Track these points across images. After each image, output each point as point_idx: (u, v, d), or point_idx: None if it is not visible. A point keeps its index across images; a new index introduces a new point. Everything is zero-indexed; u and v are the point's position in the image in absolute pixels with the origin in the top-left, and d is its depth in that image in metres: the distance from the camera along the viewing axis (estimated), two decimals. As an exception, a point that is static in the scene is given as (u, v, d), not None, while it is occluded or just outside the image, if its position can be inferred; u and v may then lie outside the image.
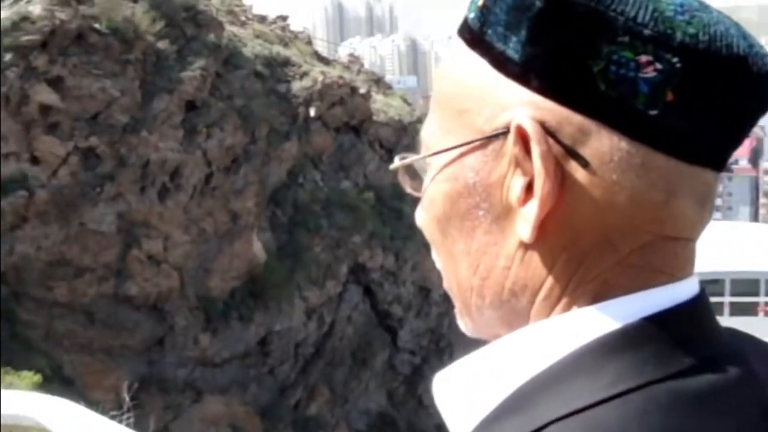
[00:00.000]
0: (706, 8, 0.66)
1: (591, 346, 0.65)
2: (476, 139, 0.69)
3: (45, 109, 22.03)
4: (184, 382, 22.90)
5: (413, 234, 29.38)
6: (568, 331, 0.66)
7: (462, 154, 0.71)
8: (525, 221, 0.67)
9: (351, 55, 39.99)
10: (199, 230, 24.32)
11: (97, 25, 23.42)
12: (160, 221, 23.42)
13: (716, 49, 0.64)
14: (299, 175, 27.62)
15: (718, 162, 0.68)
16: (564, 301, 0.68)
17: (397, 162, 0.79)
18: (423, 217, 0.79)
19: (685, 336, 0.65)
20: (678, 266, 0.69)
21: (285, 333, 25.13)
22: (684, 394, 0.62)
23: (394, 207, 29.45)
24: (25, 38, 22.20)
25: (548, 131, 0.65)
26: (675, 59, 0.63)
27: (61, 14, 23.00)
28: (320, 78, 28.48)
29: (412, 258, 28.97)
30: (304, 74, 28.66)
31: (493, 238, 0.70)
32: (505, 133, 0.67)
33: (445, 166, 0.72)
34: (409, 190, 0.78)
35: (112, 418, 10.01)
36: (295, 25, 36.00)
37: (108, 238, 22.02)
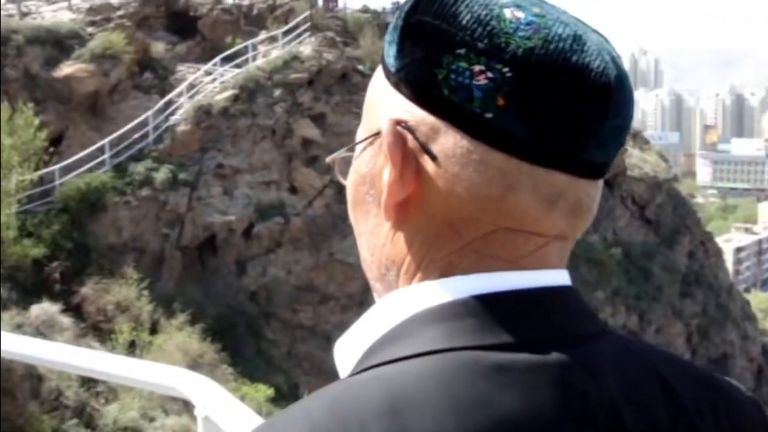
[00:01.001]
0: (562, 25, 0.74)
1: (422, 314, 0.74)
2: (367, 137, 0.80)
3: (306, 142, 23.27)
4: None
5: (660, 295, 28.27)
6: (410, 301, 0.75)
7: (363, 150, 0.81)
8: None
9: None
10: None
11: (360, 67, 24.54)
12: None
13: (551, 61, 0.71)
14: (546, 224, 27.37)
15: (571, 165, 0.74)
16: (418, 276, 0.77)
17: (332, 156, 0.88)
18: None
19: (510, 316, 0.72)
20: (521, 256, 0.75)
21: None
22: (483, 363, 0.69)
23: (642, 266, 28.49)
24: (293, 76, 23.62)
25: (409, 130, 0.75)
26: (505, 69, 0.71)
27: (328, 55, 24.30)
28: (575, 129, 28.17)
29: (656, 320, 27.87)
30: (558, 124, 28.48)
31: (378, 220, 0.80)
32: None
33: (354, 160, 0.83)
34: (342, 181, 0.86)
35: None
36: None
37: (354, 269, 22.77)
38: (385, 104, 0.79)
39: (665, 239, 30.56)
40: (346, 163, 0.86)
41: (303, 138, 23.25)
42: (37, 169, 16.03)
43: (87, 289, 17.94)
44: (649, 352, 0.81)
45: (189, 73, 24.09)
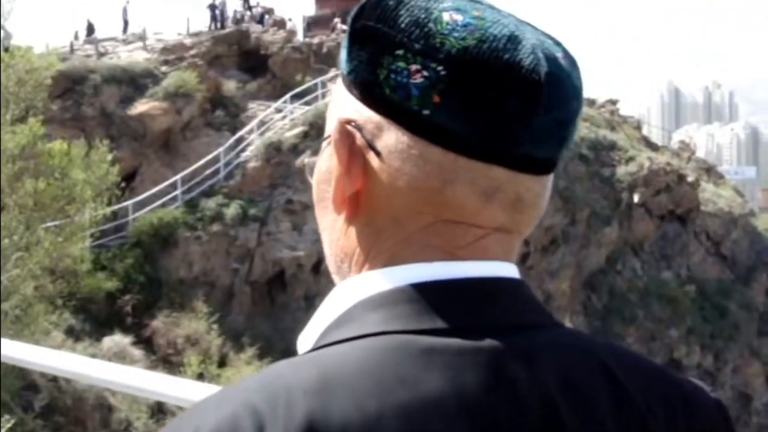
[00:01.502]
0: (500, 26, 0.77)
1: (365, 301, 0.78)
2: (325, 137, 0.84)
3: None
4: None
5: (737, 334, 27.53)
6: (356, 289, 0.79)
7: (323, 150, 0.86)
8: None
9: (682, 141, 38.72)
10: (510, 307, 24.42)
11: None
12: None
13: (484, 59, 0.75)
14: (618, 261, 26.95)
15: (508, 160, 0.77)
16: (366, 266, 0.81)
17: (302, 158, 0.85)
18: None
19: (445, 303, 0.76)
20: (459, 247, 0.79)
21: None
22: (415, 346, 0.73)
23: (718, 303, 27.81)
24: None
25: (357, 128, 0.79)
26: (440, 68, 0.75)
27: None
28: (646, 164, 27.80)
29: (733, 360, 27.12)
30: (629, 159, 28.13)
31: (335, 216, 0.84)
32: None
33: (318, 160, 0.88)
34: (311, 182, 0.89)
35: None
36: (627, 109, 35.51)
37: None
38: (340, 105, 0.83)
39: (741, 276, 29.80)
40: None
41: (372, 173, 23.34)
42: (110, 204, 16.40)
43: (158, 322, 18.20)
44: (600, 348, 0.82)
45: (259, 111, 24.46)
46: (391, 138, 0.78)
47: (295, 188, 22.38)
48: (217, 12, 28.97)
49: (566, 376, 0.77)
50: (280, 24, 30.41)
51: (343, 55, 0.83)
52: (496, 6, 0.82)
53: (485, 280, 0.79)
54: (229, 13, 29.50)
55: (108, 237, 19.78)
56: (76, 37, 28.50)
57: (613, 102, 34.74)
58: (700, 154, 39.71)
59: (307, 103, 24.44)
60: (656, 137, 37.83)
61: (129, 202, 20.31)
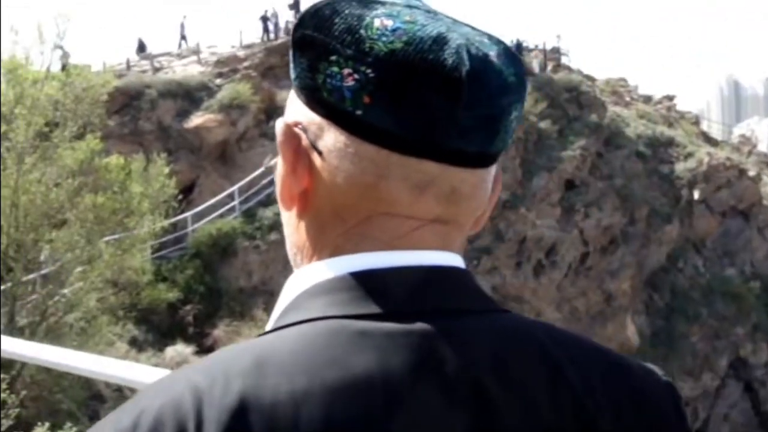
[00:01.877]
0: (429, 29, 0.81)
1: (309, 289, 0.83)
2: (281, 139, 0.88)
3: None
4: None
5: (805, 330, 26.91)
6: (303, 279, 0.85)
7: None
8: None
9: (742, 135, 38.01)
10: (571, 308, 24.22)
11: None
12: (533, 297, 23.67)
13: (409, 60, 0.79)
14: (679, 259, 26.56)
15: (438, 154, 0.82)
16: (314, 258, 0.87)
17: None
18: None
19: (380, 290, 0.81)
20: (396, 238, 0.84)
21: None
22: (348, 329, 0.78)
23: (784, 299, 27.21)
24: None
25: (303, 130, 0.86)
26: (369, 70, 0.80)
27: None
28: (706, 159, 27.35)
29: (802, 357, 26.50)
30: (688, 155, 27.70)
31: (289, 212, 0.91)
32: None
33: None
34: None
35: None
36: (685, 105, 34.97)
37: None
38: (289, 109, 0.90)
39: (808, 271, 29.14)
40: None
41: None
42: (168, 216, 16.64)
43: (219, 331, 18.40)
44: (542, 332, 0.85)
45: (314, 119, 24.59)
46: (331, 138, 0.84)
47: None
48: (269, 24, 29.25)
49: (500, 358, 0.81)
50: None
51: (290, 62, 0.89)
52: (434, 10, 0.88)
53: (420, 268, 0.83)
54: (281, 24, 29.77)
55: (168, 249, 20.05)
56: (140, 49, 29.01)
57: (670, 98, 34.26)
58: (762, 147, 38.88)
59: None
60: (716, 132, 37.16)
61: (188, 214, 20.57)
